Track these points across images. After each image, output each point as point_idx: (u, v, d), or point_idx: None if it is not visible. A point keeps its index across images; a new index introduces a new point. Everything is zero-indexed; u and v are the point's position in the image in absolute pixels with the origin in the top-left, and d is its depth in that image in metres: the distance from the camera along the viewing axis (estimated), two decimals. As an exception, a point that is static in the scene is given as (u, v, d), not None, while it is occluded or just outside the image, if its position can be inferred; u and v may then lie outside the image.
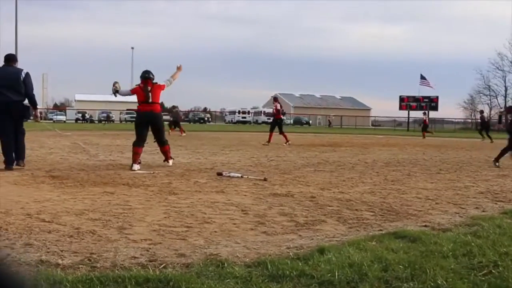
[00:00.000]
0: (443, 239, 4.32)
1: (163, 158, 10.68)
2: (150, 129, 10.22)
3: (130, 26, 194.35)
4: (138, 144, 9.94)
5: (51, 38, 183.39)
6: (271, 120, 22.04)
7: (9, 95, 8.89)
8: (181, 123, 29.42)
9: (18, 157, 9.20)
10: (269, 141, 19.64)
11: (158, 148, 10.68)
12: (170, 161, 10.59)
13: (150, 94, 10.00)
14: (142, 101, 10.08)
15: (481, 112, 36.38)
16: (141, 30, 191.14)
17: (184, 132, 27.38)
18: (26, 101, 9.21)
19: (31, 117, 10.14)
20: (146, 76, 10.15)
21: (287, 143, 19.35)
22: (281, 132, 19.91)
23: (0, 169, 8.96)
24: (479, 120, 29.77)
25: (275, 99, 20.50)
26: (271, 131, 20.04)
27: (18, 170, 8.91)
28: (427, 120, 36.16)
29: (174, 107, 31.66)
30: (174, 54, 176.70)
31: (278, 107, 20.07)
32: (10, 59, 9.36)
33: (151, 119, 10.10)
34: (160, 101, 10.59)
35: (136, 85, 10.41)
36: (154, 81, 10.23)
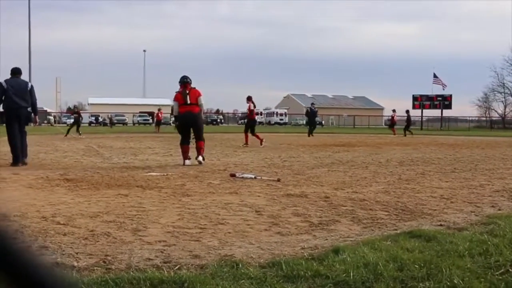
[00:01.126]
0: (459, 238, 4.28)
1: (195, 155, 11.23)
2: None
3: (142, 29, 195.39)
4: (184, 142, 11.14)
5: (64, 42, 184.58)
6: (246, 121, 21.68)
7: (19, 102, 10.50)
8: None
9: (23, 155, 10.67)
10: (246, 142, 19.32)
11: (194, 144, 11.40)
12: (200, 157, 11.10)
13: (188, 96, 10.99)
14: (181, 103, 11.07)
15: (407, 111, 37.84)
16: (152, 32, 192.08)
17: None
18: (29, 108, 10.72)
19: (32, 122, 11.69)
20: (185, 81, 11.15)
21: (262, 143, 19.05)
22: (254, 134, 19.67)
23: (15, 173, 9.06)
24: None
25: (248, 98, 19.91)
26: (246, 132, 19.83)
27: (33, 173, 8.99)
28: (394, 118, 36.89)
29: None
30: (186, 56, 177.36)
31: (252, 107, 19.75)
32: (18, 71, 10.89)
33: (190, 119, 11.11)
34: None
35: (175, 92, 11.34)
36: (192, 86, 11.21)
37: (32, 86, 10.87)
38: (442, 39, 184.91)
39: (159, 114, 39.20)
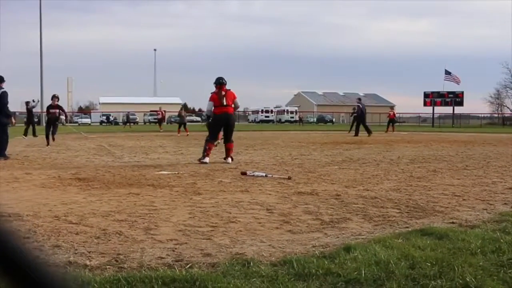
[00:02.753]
0: (471, 235, 4.26)
1: (224, 155, 11.50)
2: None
3: (152, 29, 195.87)
4: (211, 141, 11.38)
5: (75, 42, 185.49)
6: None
7: None
8: (187, 123, 29.72)
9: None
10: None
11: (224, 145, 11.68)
12: (229, 159, 11.28)
13: (224, 98, 11.34)
14: (217, 105, 11.37)
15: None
16: (162, 32, 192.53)
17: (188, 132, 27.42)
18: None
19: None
20: (221, 82, 11.52)
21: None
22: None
23: (28, 172, 9.14)
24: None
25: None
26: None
27: (45, 173, 9.07)
28: (393, 114, 37.09)
29: (180, 109, 32.30)
30: (196, 55, 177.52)
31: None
32: (2, 80, 11.85)
33: (225, 120, 11.43)
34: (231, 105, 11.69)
35: (211, 93, 11.60)
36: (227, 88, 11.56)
37: (3, 93, 11.75)
38: (454, 35, 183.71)
39: (162, 113, 39.21)
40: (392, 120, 36.36)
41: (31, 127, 25.10)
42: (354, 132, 27.80)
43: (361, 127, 26.99)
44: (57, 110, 19.39)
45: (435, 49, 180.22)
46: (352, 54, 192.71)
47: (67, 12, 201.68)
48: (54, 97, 19.24)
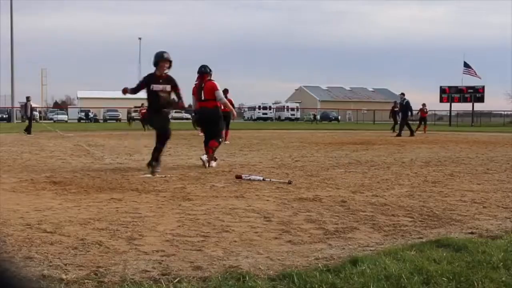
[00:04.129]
0: (493, 247, 4.27)
1: (204, 153, 11.06)
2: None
3: (136, 15, 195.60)
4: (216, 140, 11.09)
5: (50, 30, 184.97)
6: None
7: None
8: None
9: None
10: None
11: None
12: (212, 163, 10.82)
13: (202, 91, 10.97)
14: (197, 99, 11.17)
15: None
16: (148, 18, 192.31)
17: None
18: None
19: None
20: (201, 70, 11.12)
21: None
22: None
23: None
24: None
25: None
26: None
27: (16, 176, 9.05)
28: (425, 111, 36.08)
29: (142, 105, 32.62)
30: (185, 44, 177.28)
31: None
32: None
33: (204, 115, 11.14)
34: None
35: (194, 84, 11.31)
36: (209, 78, 11.10)
37: None
38: (473, 23, 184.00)
39: (131, 110, 39.26)
40: (424, 119, 35.25)
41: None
42: (397, 131, 27.95)
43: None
44: None
45: (453, 39, 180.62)
46: (360, 44, 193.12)
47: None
48: None
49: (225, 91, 20.32)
